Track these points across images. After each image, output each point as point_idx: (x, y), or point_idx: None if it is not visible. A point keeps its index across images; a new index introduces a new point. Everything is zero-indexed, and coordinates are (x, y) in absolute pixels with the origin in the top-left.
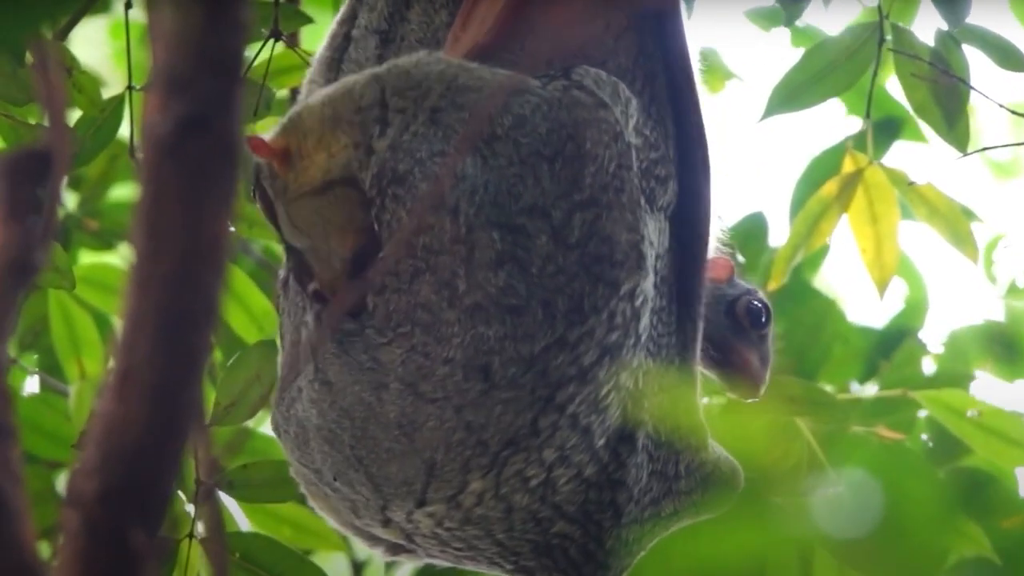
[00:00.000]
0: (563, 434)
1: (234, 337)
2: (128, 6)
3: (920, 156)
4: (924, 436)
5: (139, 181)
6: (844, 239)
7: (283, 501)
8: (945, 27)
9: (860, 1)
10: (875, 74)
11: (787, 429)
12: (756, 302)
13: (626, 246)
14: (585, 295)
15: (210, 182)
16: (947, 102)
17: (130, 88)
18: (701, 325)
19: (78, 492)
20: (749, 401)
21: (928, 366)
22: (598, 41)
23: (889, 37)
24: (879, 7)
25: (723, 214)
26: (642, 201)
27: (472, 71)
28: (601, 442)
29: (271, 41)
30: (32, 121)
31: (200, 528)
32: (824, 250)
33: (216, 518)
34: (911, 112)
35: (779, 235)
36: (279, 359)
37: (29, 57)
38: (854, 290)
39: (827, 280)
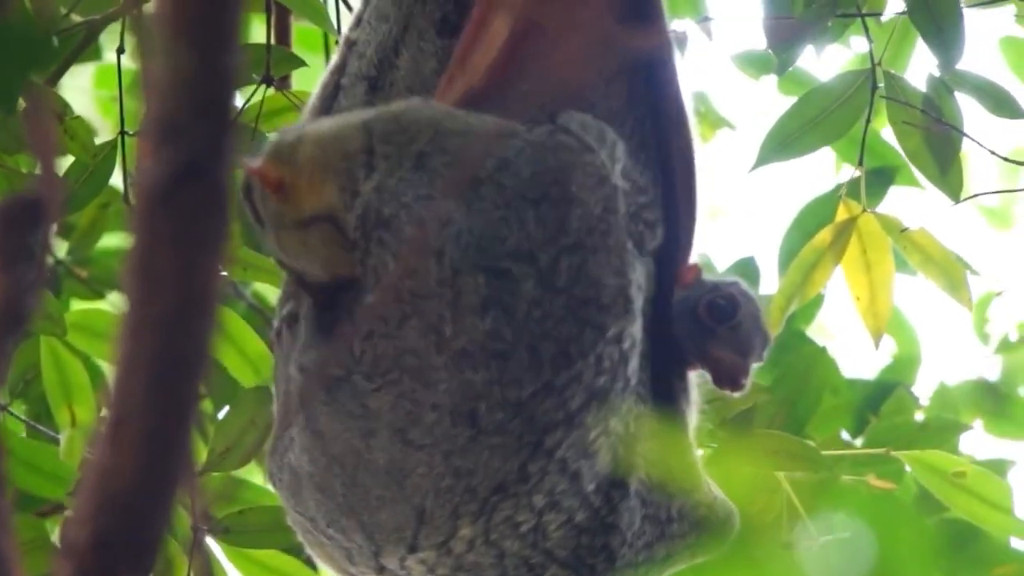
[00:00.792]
0: (552, 479)
1: (229, 381)
2: (120, 51)
3: (915, 202)
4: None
5: (131, 228)
6: (838, 288)
7: (279, 547)
8: (937, 73)
9: (850, 47)
10: (868, 122)
11: (767, 482)
12: (718, 298)
13: (613, 290)
14: (572, 339)
15: (202, 229)
16: (940, 149)
17: (122, 134)
18: (679, 360)
19: (71, 541)
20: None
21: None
22: (589, 85)
23: (881, 84)
24: (871, 54)
25: (713, 259)
26: (629, 245)
27: (459, 117)
28: (592, 487)
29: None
30: (24, 169)
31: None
32: (819, 299)
33: (205, 566)
34: (905, 158)
35: (770, 281)
36: (274, 407)
37: (20, 103)
38: (849, 341)
39: (822, 330)
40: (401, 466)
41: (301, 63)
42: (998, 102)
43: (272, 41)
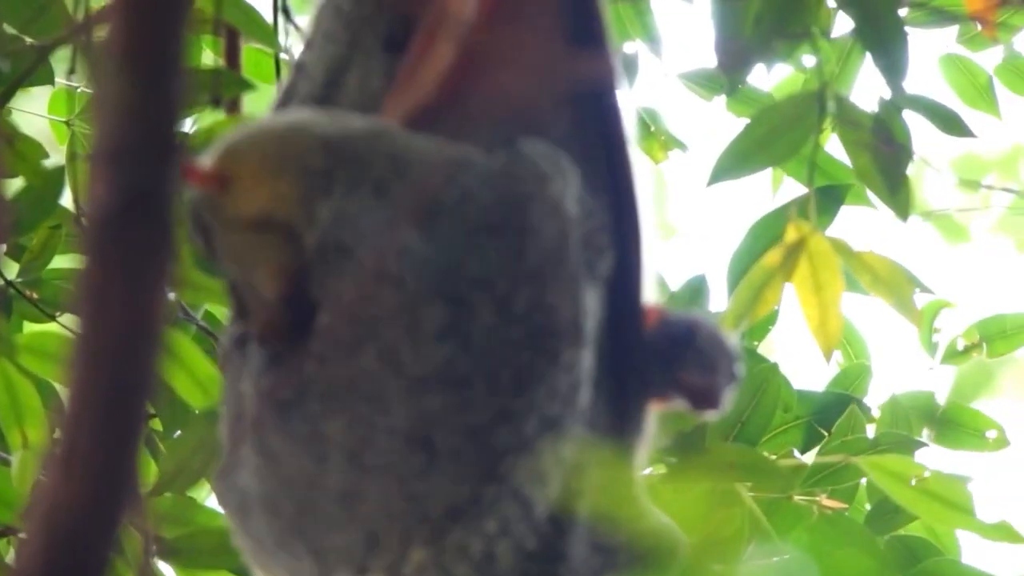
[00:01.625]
0: (505, 505)
1: (178, 403)
2: (71, 73)
3: (868, 220)
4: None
5: (80, 260)
6: (789, 300)
7: (226, 569)
8: (885, 93)
9: (799, 66)
10: (816, 144)
11: (727, 496)
12: (677, 327)
13: (568, 318)
14: (527, 367)
15: (148, 256)
16: (889, 169)
17: (72, 158)
18: (643, 390)
19: (24, 571)
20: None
21: (872, 433)
22: (539, 106)
23: (831, 104)
24: (820, 74)
25: (663, 278)
26: (582, 272)
27: (417, 143)
28: (542, 513)
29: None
30: None
31: None
32: (772, 317)
33: None
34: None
35: (721, 298)
36: (222, 428)
37: None
38: (803, 356)
39: (775, 346)
40: (353, 489)
41: (249, 86)
42: (946, 121)
43: (222, 63)
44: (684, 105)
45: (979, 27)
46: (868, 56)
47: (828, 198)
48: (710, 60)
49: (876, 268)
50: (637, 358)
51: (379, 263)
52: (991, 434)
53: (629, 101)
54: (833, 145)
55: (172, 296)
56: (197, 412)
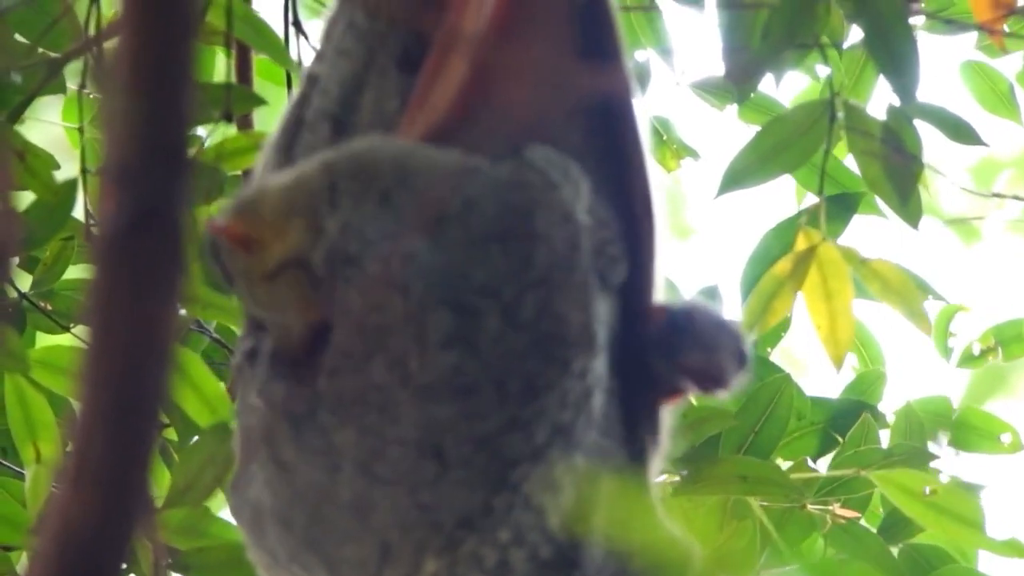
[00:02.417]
0: (517, 514)
1: (189, 420)
2: (82, 87)
3: (881, 225)
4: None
5: (91, 276)
6: (802, 312)
7: None
8: (896, 103)
9: (812, 75)
10: (827, 152)
11: (738, 507)
12: (674, 315)
13: (578, 325)
14: (537, 374)
15: (158, 275)
16: (900, 178)
17: (83, 171)
18: (653, 394)
19: None
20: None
21: (886, 438)
22: (552, 119)
23: (841, 114)
24: (830, 83)
25: (676, 284)
26: (594, 280)
27: (422, 153)
28: (556, 521)
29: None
30: None
31: None
32: (784, 324)
33: None
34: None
35: (734, 307)
36: (234, 441)
37: None
38: (812, 366)
39: (791, 350)
40: (366, 501)
41: (261, 102)
42: (957, 130)
43: (233, 79)
44: (697, 113)
45: (989, 36)
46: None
47: (839, 206)
48: (721, 68)
49: (886, 276)
50: (645, 362)
51: (385, 271)
52: (1006, 437)
53: (642, 110)
54: (846, 154)
55: (183, 311)
56: (206, 428)
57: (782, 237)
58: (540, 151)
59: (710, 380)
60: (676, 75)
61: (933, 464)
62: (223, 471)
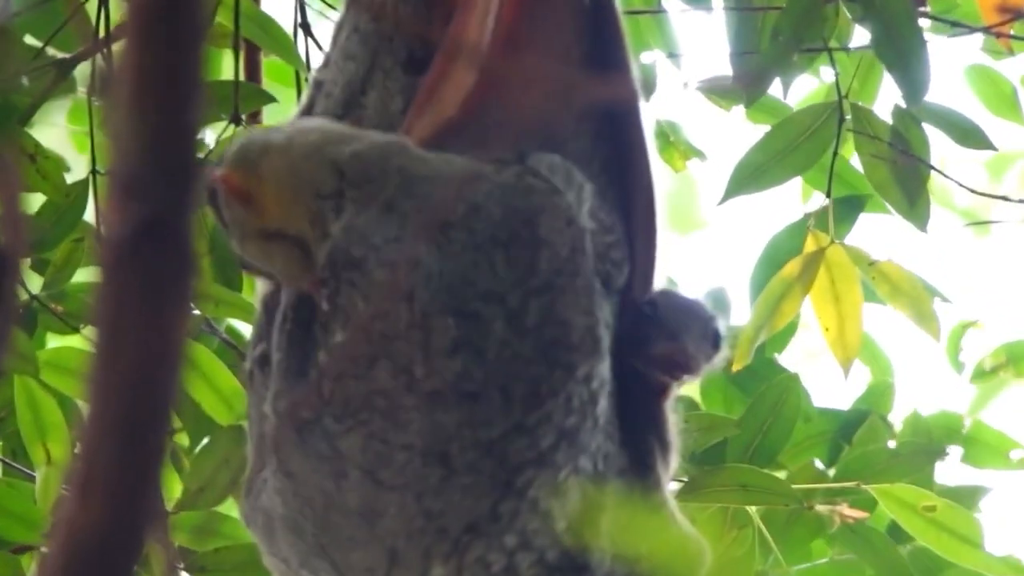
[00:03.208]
0: (524, 519)
1: (203, 417)
2: (91, 91)
3: (888, 226)
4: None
5: (99, 285)
6: (809, 316)
7: None
8: (904, 105)
9: (819, 78)
10: (835, 155)
11: (738, 516)
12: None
13: (582, 330)
14: (542, 379)
15: (167, 285)
16: (907, 181)
17: (94, 173)
18: (648, 393)
19: None
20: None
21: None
22: (560, 122)
23: (848, 116)
24: (837, 86)
25: (685, 281)
26: (597, 285)
27: (428, 160)
28: (562, 526)
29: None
30: None
31: None
32: (792, 327)
33: None
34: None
35: (742, 311)
36: (248, 447)
37: None
38: (826, 368)
39: (794, 358)
40: (372, 507)
41: (271, 99)
42: (965, 134)
43: (242, 76)
44: (704, 113)
45: (996, 38)
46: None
47: (847, 207)
48: (728, 69)
49: (895, 279)
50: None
51: (391, 278)
52: (1016, 454)
53: (648, 113)
54: (852, 153)
55: (195, 311)
56: (222, 427)
57: (791, 239)
58: (543, 157)
59: (677, 367)
60: (683, 77)
61: (939, 467)
62: (238, 472)
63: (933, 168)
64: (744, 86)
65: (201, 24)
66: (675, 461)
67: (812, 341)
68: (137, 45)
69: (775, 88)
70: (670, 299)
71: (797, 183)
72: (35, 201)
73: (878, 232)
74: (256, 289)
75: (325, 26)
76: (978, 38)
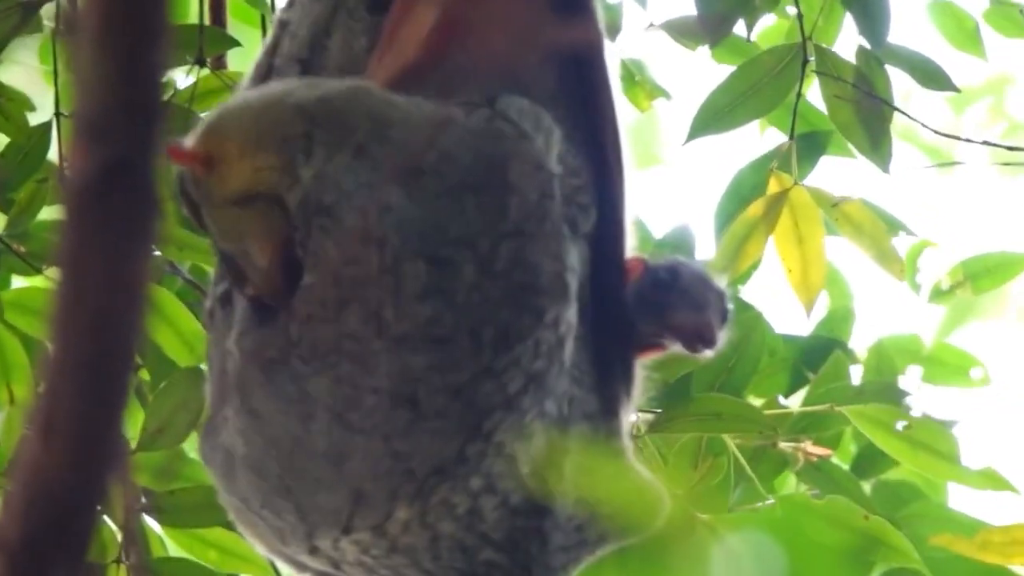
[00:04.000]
0: (489, 462)
1: (164, 359)
2: (56, 32)
3: (852, 165)
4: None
5: (62, 226)
6: (771, 253)
7: (211, 526)
8: (867, 46)
9: (783, 16)
10: (798, 96)
11: (712, 445)
12: (660, 272)
13: (550, 275)
14: (511, 324)
15: (131, 226)
16: (870, 122)
17: (58, 115)
18: (629, 343)
19: (2, 538)
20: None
21: (857, 374)
22: (525, 64)
23: (812, 58)
24: (800, 28)
25: (649, 228)
26: (565, 229)
27: (398, 105)
28: (527, 469)
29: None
30: None
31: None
32: (754, 263)
33: (142, 543)
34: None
35: (707, 247)
36: (207, 387)
37: None
38: (783, 301)
39: (756, 291)
40: (339, 449)
41: (235, 43)
42: (928, 75)
43: (207, 20)
44: (670, 52)
45: None
46: None
47: (809, 147)
48: (693, 8)
49: (858, 219)
50: (621, 312)
51: (362, 223)
52: (976, 372)
53: (613, 57)
54: (816, 94)
55: (158, 253)
56: (182, 368)
57: (753, 177)
58: (512, 101)
59: (699, 340)
60: (649, 17)
61: (905, 400)
62: (197, 414)
63: (896, 109)
64: (708, 27)
65: None
66: (631, 413)
67: (775, 276)
68: None
69: (740, 28)
70: (689, 269)
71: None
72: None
73: (842, 171)
74: None
75: None
76: None
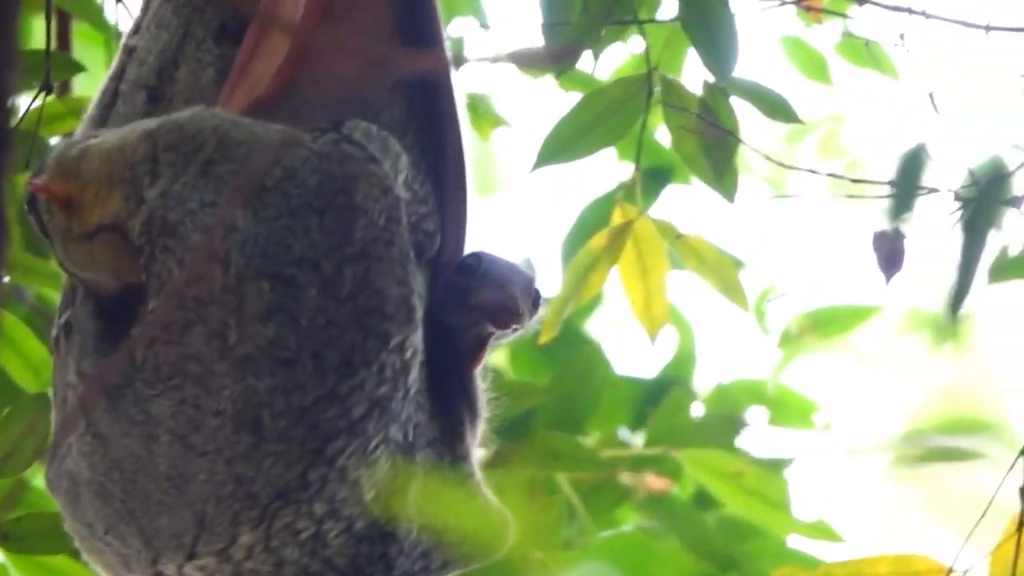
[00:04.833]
0: (333, 487)
1: (10, 384)
2: None
3: (694, 197)
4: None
5: None
6: (617, 287)
7: (57, 553)
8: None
9: (630, 50)
10: (643, 127)
11: (547, 483)
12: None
13: (396, 299)
14: (356, 348)
15: None
16: (715, 154)
17: None
18: (461, 358)
19: None
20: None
21: (699, 412)
22: (374, 95)
23: (658, 89)
24: (647, 59)
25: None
26: (411, 255)
27: (244, 125)
28: (371, 495)
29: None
30: None
31: None
32: (597, 298)
33: None
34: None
35: (553, 283)
36: (52, 414)
37: None
38: (629, 338)
39: (601, 328)
40: (182, 472)
41: (80, 68)
42: (772, 107)
43: (52, 45)
44: (516, 79)
45: (807, 11)
46: None
47: (654, 179)
48: (540, 40)
49: (702, 252)
50: (444, 321)
51: (205, 242)
52: (818, 417)
53: (459, 86)
54: (661, 133)
55: (5, 279)
56: (28, 394)
57: (600, 210)
58: (360, 125)
59: (506, 313)
60: (495, 48)
61: (745, 437)
62: (43, 440)
63: (740, 141)
64: (556, 59)
65: None
66: (482, 429)
67: (620, 308)
68: None
69: (586, 63)
70: (493, 255)
71: (609, 152)
72: None
73: (688, 200)
74: None
75: None
76: (791, 9)
